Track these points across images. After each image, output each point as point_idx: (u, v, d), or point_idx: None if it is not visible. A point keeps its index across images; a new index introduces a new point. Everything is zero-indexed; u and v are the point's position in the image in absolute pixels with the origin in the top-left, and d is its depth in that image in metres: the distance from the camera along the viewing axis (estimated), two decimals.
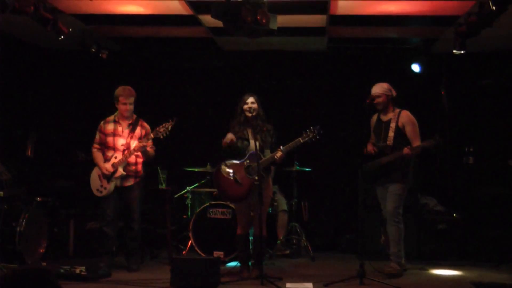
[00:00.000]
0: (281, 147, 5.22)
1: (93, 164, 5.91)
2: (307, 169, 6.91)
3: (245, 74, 7.68)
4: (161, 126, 5.48)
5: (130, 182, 5.77)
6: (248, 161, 5.29)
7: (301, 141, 5.16)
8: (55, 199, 6.55)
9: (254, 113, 5.30)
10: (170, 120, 5.46)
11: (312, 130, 5.17)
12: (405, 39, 7.19)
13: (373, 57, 7.53)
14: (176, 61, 7.85)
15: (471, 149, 6.87)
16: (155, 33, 7.12)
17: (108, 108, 6.06)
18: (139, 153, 5.72)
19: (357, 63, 7.63)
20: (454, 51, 5.77)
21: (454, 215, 6.71)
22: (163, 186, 6.62)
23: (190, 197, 6.87)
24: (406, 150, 5.35)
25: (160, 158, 6.04)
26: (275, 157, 5.19)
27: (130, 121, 5.82)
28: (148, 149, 5.69)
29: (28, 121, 7.37)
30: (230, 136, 5.25)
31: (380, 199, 5.71)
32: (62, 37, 5.72)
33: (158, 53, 7.87)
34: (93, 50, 6.71)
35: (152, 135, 5.54)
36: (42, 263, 5.82)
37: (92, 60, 7.11)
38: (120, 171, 5.67)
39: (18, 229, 5.72)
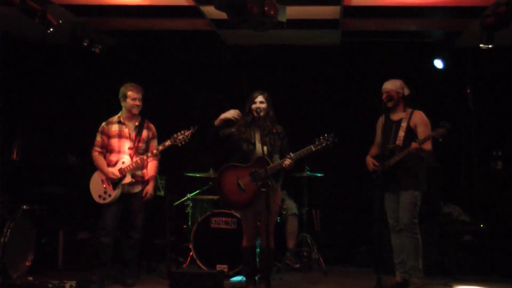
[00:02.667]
0: (291, 154, 5.19)
1: (86, 168, 5.92)
2: (318, 175, 6.84)
3: (250, 71, 7.62)
4: (179, 133, 5.49)
5: (138, 189, 5.77)
6: (254, 166, 5.27)
7: (313, 149, 5.15)
8: (43, 207, 6.51)
9: (262, 114, 5.27)
10: (191, 128, 5.47)
11: (325, 138, 5.15)
12: (427, 32, 7.13)
13: (391, 52, 7.47)
14: (175, 57, 7.83)
15: (500, 153, 6.85)
16: (153, 26, 7.08)
17: (103, 108, 6.01)
18: (148, 157, 5.74)
19: (373, 58, 7.57)
20: (480, 45, 5.73)
21: (481, 225, 6.66)
22: (161, 193, 6.60)
23: (190, 205, 6.80)
24: (414, 144, 5.32)
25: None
26: (283, 164, 5.17)
27: (137, 122, 5.81)
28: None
29: (14, 122, 7.32)
30: (233, 111, 5.23)
31: (387, 207, 5.67)
32: (51, 29, 5.69)
33: (156, 48, 7.84)
34: (85, 44, 6.66)
35: (169, 142, 5.53)
36: (29, 278, 5.77)
37: (84, 55, 7.07)
38: (129, 177, 5.67)
39: (2, 240, 5.65)
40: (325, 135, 5.15)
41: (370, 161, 5.74)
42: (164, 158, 6.04)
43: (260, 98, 5.32)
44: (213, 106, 7.17)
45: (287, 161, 5.15)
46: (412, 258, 5.49)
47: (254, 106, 5.31)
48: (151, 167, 5.83)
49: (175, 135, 5.54)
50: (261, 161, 5.17)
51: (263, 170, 5.08)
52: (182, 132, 5.53)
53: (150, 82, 7.29)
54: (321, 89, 7.77)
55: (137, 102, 5.74)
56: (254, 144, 5.29)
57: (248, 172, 5.27)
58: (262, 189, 5.06)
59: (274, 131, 5.32)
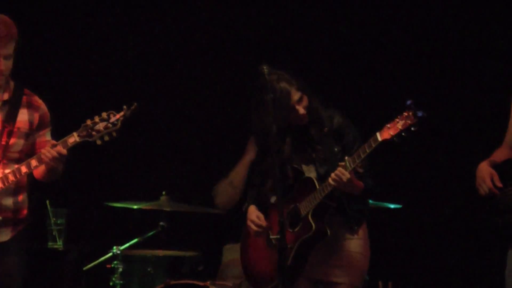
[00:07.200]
0: (346, 158, 4.85)
1: None
2: (391, 206, 6.62)
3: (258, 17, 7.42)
4: (98, 118, 5.14)
5: (7, 235, 5.28)
6: (294, 199, 5.12)
7: (379, 138, 4.71)
8: None
9: (305, 120, 5.15)
10: (125, 107, 5.13)
11: (406, 113, 4.65)
12: None
13: None
14: None
15: None
16: None
17: None
18: (24, 172, 5.16)
19: None
20: None
21: None
22: (59, 244, 6.49)
23: (120, 270, 6.31)
24: None
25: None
26: (332, 182, 4.84)
27: (6, 95, 5.32)
28: (58, 163, 5.21)
29: None
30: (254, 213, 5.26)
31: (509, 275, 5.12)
32: None
33: None
34: None
35: (76, 137, 5.10)
36: None
37: None
38: None
39: None
40: (405, 111, 4.67)
41: (487, 173, 5.03)
42: (65, 177, 5.51)
43: (297, 95, 5.10)
44: (180, 78, 7.62)
45: (338, 173, 4.77)
46: None
47: (296, 115, 5.11)
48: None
49: (88, 123, 5.02)
50: (305, 186, 5.04)
51: (311, 200, 4.97)
52: (104, 116, 5.03)
53: (36, 14, 7.25)
54: (389, 37, 7.43)
55: None
56: (301, 172, 5.19)
57: (286, 210, 5.13)
58: (307, 237, 4.92)
59: (325, 129, 5.17)
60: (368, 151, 4.72)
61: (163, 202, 6.40)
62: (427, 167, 7.13)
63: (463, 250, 7.15)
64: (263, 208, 5.27)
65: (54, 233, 6.43)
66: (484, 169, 5.06)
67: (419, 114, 4.58)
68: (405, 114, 4.63)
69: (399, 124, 4.64)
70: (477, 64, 7.38)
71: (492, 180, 4.96)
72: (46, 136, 5.25)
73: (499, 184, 4.94)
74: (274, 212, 5.10)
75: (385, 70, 7.57)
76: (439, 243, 7.29)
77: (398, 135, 4.62)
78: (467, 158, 6.20)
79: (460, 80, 7.39)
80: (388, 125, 4.67)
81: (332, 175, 4.79)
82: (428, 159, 6.83)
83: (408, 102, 4.63)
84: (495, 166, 5.11)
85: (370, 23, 7.68)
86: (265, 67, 4.82)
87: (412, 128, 4.61)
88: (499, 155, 5.16)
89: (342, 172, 4.75)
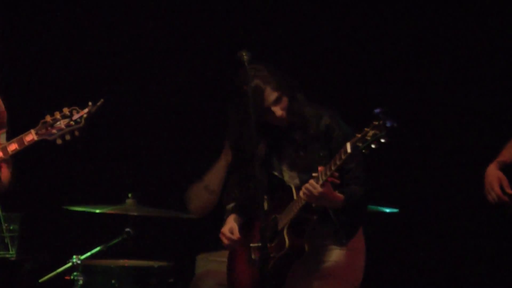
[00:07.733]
0: (320, 170, 4.88)
1: None
2: (387, 210, 6.55)
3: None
4: (59, 115, 5.13)
5: None
6: (276, 208, 5.19)
7: (349, 150, 4.70)
8: None
9: (285, 122, 5.21)
10: (90, 103, 5.13)
11: (375, 122, 4.61)
12: None
13: None
14: None
15: None
16: None
17: None
18: None
19: None
20: None
21: None
22: (11, 253, 6.31)
23: (80, 282, 6.18)
24: None
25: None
26: (302, 196, 4.90)
27: None
28: (4, 169, 5.22)
29: None
30: (230, 224, 5.32)
31: None
32: None
33: None
34: None
35: (33, 135, 5.13)
36: None
37: None
38: None
39: None
40: (374, 120, 4.67)
41: (495, 179, 5.08)
42: (18, 177, 5.48)
43: (273, 96, 5.05)
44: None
45: (309, 187, 4.82)
46: None
47: (273, 116, 5.12)
48: None
49: (48, 119, 5.03)
50: (285, 195, 5.06)
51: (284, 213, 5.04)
52: (66, 112, 5.04)
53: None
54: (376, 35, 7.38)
55: None
56: (281, 179, 5.25)
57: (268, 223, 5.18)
58: (281, 256, 4.89)
59: (310, 132, 5.19)
60: (338, 163, 4.66)
61: (129, 206, 6.32)
62: (424, 169, 7.15)
63: (463, 254, 7.12)
64: (249, 214, 5.18)
65: (6, 241, 6.29)
66: (492, 174, 5.05)
67: (388, 124, 4.47)
68: (374, 123, 4.56)
69: (368, 134, 4.57)
70: (477, 61, 7.28)
71: (502, 186, 4.95)
72: (0, 138, 5.19)
73: (509, 190, 4.92)
74: (258, 219, 5.01)
75: (381, 69, 7.45)
76: (437, 248, 7.25)
77: (367, 147, 4.54)
78: (465, 159, 6.66)
79: (459, 78, 7.35)
80: (358, 136, 4.62)
81: (303, 188, 4.78)
82: (426, 160, 6.84)
83: (376, 110, 4.55)
84: (505, 168, 5.08)
85: (366, 20, 7.50)
86: (244, 54, 4.71)
87: (382, 140, 4.51)
88: (508, 153, 5.11)
89: (313, 186, 4.72)
